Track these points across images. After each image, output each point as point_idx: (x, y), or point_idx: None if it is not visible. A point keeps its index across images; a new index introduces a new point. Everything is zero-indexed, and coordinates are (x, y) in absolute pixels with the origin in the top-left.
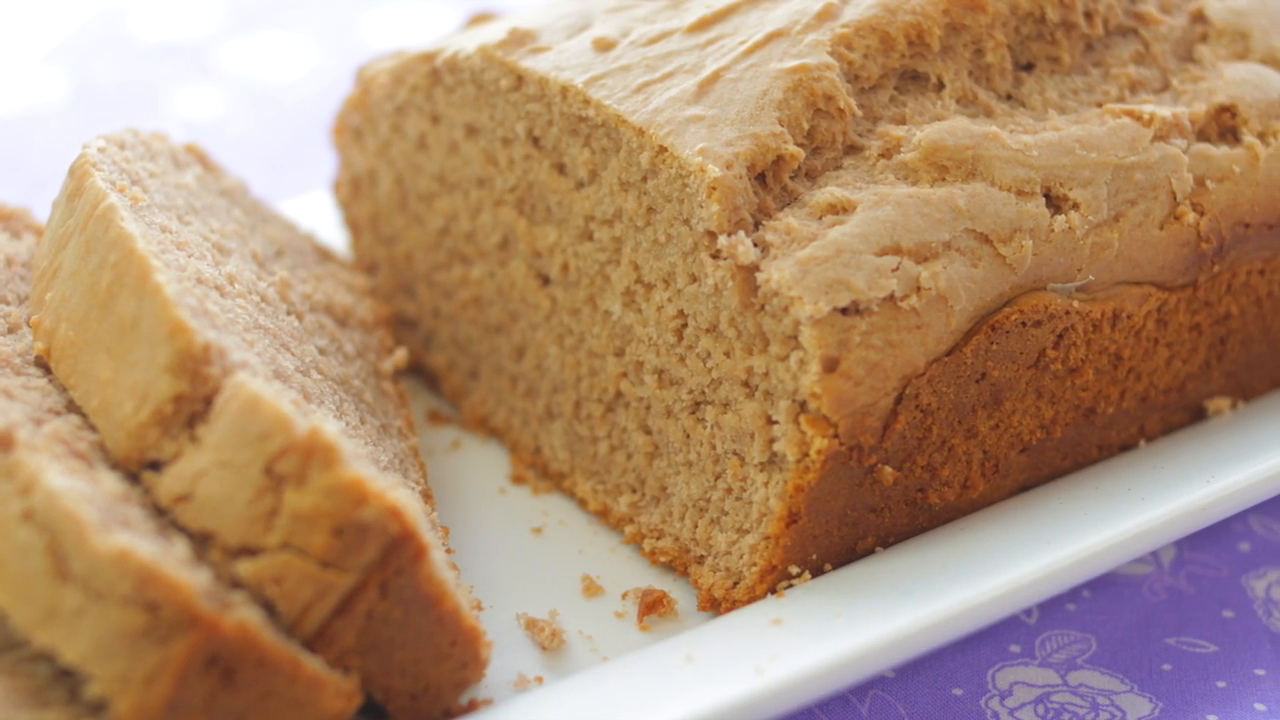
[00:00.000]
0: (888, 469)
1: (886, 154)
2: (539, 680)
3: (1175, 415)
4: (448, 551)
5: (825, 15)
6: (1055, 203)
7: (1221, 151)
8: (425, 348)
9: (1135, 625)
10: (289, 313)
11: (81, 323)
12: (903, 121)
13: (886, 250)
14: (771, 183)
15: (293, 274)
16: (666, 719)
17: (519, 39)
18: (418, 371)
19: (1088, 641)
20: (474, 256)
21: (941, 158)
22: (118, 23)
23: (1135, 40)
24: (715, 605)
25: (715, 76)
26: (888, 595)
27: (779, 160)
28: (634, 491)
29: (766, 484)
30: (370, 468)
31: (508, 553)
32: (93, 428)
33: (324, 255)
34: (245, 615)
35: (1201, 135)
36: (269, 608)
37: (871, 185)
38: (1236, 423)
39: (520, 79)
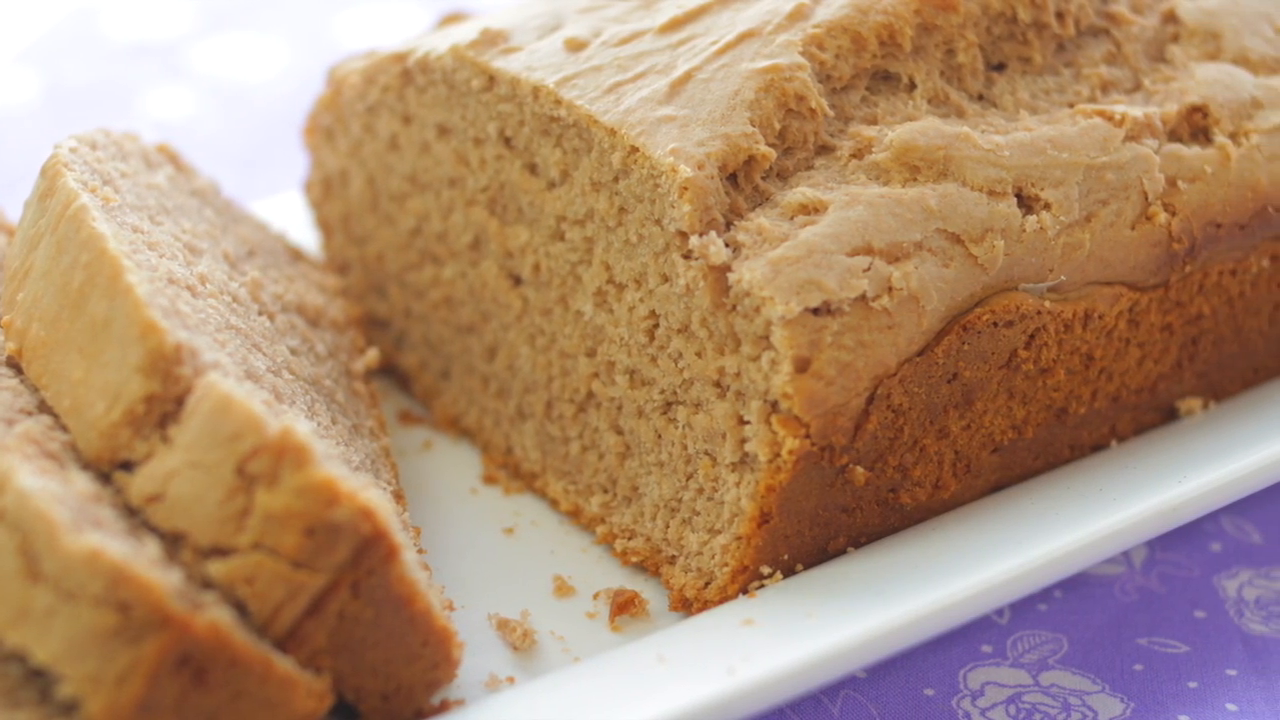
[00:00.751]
0: (859, 469)
1: (858, 154)
2: (511, 680)
3: (1147, 415)
4: (419, 552)
5: (797, 15)
6: (1027, 203)
7: (1193, 152)
8: (397, 348)
9: (1107, 625)
10: (260, 313)
11: (53, 323)
12: (874, 122)
13: (858, 250)
14: (743, 183)
15: (264, 274)
16: (638, 719)
17: (490, 39)
18: (389, 372)
19: (1059, 642)
20: (445, 257)
21: (913, 158)
22: (89, 23)
23: (1107, 40)
24: (687, 605)
25: (687, 77)
26: (859, 595)
27: (750, 160)
28: (605, 492)
29: (738, 484)
30: (342, 468)
31: (479, 553)
32: (64, 428)
33: (295, 255)
34: (217, 615)
35: (1173, 135)
36: (240, 608)
37: (843, 185)
38: (1208, 423)
39: (492, 79)
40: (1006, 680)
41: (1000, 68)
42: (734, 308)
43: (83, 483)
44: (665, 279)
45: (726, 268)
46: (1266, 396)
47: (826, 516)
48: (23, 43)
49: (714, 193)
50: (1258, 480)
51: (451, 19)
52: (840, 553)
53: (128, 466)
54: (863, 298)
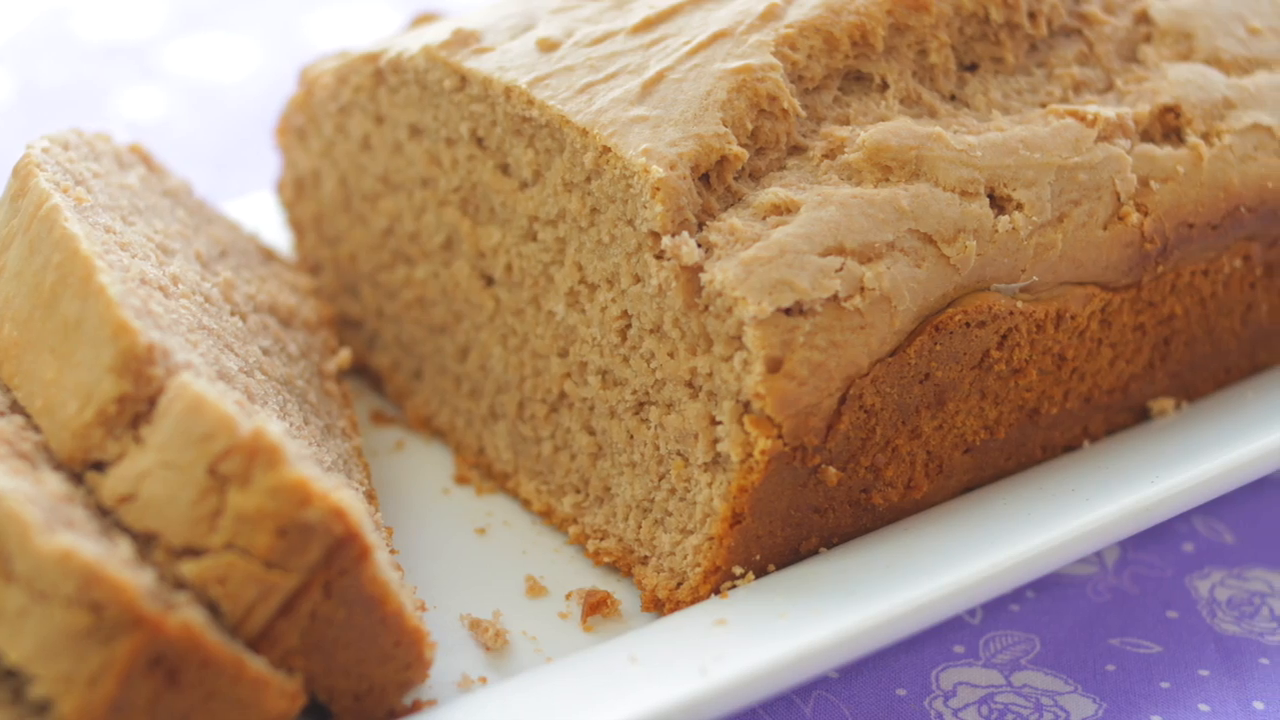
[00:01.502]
0: (831, 469)
1: (830, 154)
2: (483, 681)
3: (1119, 416)
4: (391, 552)
5: (769, 16)
6: (999, 203)
7: (1165, 152)
8: (369, 348)
9: (1079, 626)
10: (233, 313)
11: (25, 323)
12: (846, 122)
13: (830, 251)
14: (715, 183)
15: (236, 274)
16: (611, 719)
17: (463, 39)
18: (361, 372)
19: (1031, 642)
20: (418, 257)
21: (885, 158)
22: (61, 23)
23: (1079, 40)
24: (659, 606)
25: (659, 77)
26: (831, 596)
27: (723, 161)
28: (578, 492)
29: (710, 484)
30: (314, 468)
31: (451, 553)
32: (37, 428)
33: (268, 256)
34: (189, 616)
35: (1145, 136)
36: (213, 608)
37: (815, 186)
38: (1180, 423)
39: (464, 79)
40: (979, 680)
41: (973, 68)
42: (706, 308)
43: (55, 483)
44: (637, 279)
45: (699, 268)
46: (1238, 397)
47: (799, 517)
48: None
49: (686, 193)
50: (1230, 480)
51: (424, 19)
52: (813, 553)
53: (100, 467)
54: (835, 298)
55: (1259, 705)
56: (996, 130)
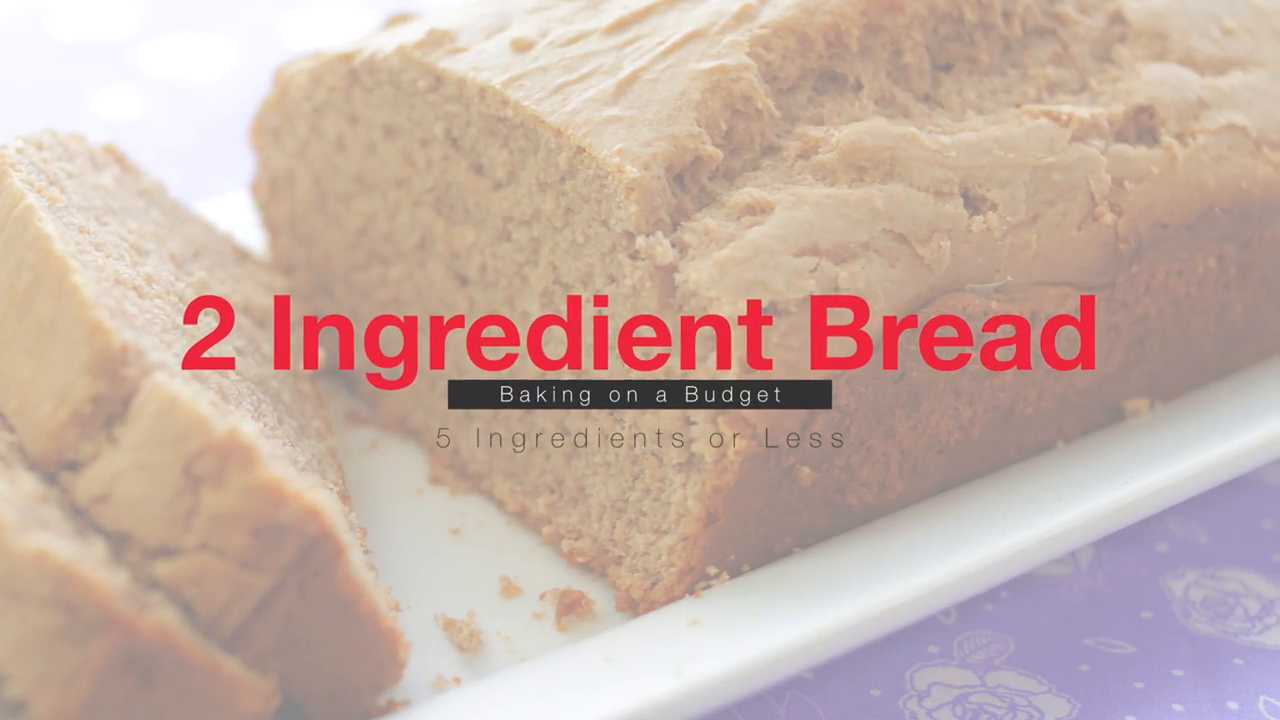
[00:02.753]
0: (806, 469)
1: (804, 154)
2: (457, 681)
3: (1093, 416)
4: (365, 552)
5: (743, 16)
6: (973, 203)
7: (1139, 152)
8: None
9: (1054, 626)
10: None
11: None
12: (821, 122)
13: (804, 251)
14: (689, 183)
15: (211, 275)
16: (584, 719)
17: (437, 39)
18: (336, 372)
19: (1006, 642)
20: (392, 257)
21: (859, 158)
22: (36, 23)
23: (1053, 41)
24: (633, 606)
25: (633, 77)
26: (806, 596)
27: (697, 161)
28: (552, 492)
29: (684, 485)
30: (288, 468)
31: (426, 553)
32: (11, 428)
33: (242, 256)
34: (163, 616)
35: (1119, 136)
36: (187, 608)
37: (789, 186)
38: (1155, 424)
39: (438, 79)
40: (953, 681)
41: (947, 68)
42: (680, 308)
43: (29, 483)
44: (612, 279)
45: (673, 268)
46: (1212, 397)
47: (773, 517)
48: None
49: (660, 193)
50: (1204, 481)
51: (398, 20)
52: (787, 553)
53: (74, 467)
54: (809, 298)
55: (1233, 706)
56: (971, 130)
